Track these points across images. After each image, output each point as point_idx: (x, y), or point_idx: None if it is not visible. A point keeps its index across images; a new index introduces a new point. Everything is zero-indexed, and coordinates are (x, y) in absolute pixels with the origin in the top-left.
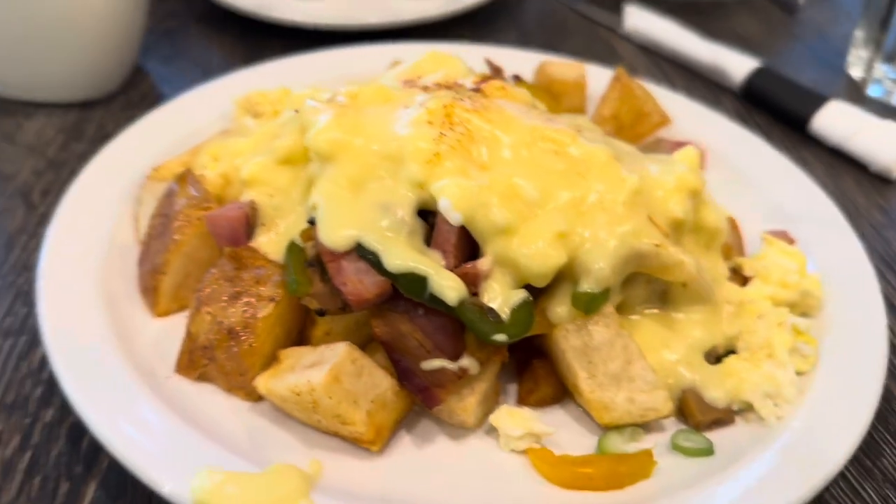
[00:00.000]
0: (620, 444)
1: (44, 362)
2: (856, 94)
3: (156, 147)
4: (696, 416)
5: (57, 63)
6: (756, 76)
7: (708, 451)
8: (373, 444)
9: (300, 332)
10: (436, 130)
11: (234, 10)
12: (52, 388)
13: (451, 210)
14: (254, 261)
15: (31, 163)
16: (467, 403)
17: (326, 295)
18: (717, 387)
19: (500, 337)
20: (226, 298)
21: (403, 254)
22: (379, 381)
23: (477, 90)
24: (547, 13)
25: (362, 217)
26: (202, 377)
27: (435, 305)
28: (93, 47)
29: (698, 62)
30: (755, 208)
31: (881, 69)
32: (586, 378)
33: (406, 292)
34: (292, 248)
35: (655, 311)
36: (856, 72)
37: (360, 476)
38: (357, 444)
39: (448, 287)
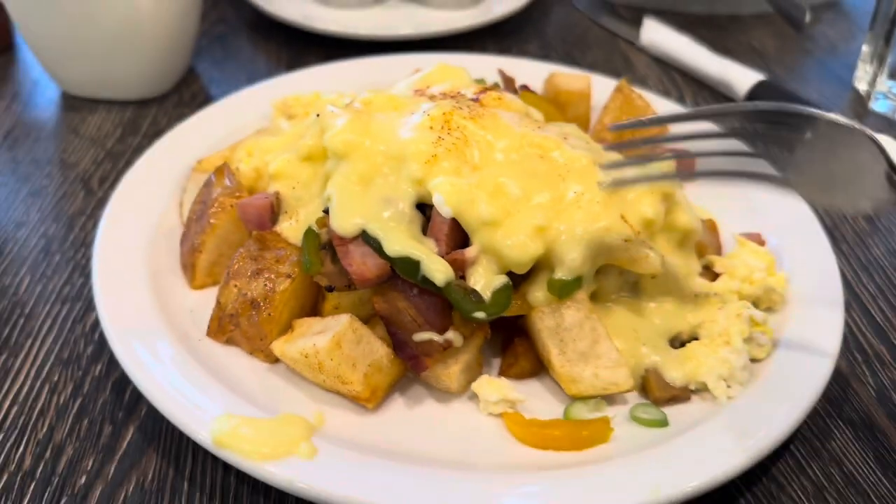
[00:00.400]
0: (585, 412)
1: (95, 325)
2: (861, 108)
3: (201, 142)
4: (655, 392)
5: (119, 65)
6: (758, 88)
7: (662, 422)
8: (368, 401)
9: (313, 305)
10: (435, 134)
11: (279, 19)
12: (101, 347)
13: (444, 205)
14: (275, 243)
15: (92, 153)
16: (451, 371)
17: (335, 274)
18: (676, 368)
19: (480, 314)
20: (250, 274)
21: (401, 241)
22: (376, 349)
23: (476, 100)
24: (569, 25)
25: (368, 208)
26: (229, 341)
27: (426, 286)
28: (152, 52)
29: (707, 74)
30: (737, 213)
31: (885, 84)
32: (558, 354)
33: (402, 274)
34: (309, 233)
35: (627, 298)
36: (862, 86)
37: (356, 428)
38: (355, 401)
39: (437, 270)
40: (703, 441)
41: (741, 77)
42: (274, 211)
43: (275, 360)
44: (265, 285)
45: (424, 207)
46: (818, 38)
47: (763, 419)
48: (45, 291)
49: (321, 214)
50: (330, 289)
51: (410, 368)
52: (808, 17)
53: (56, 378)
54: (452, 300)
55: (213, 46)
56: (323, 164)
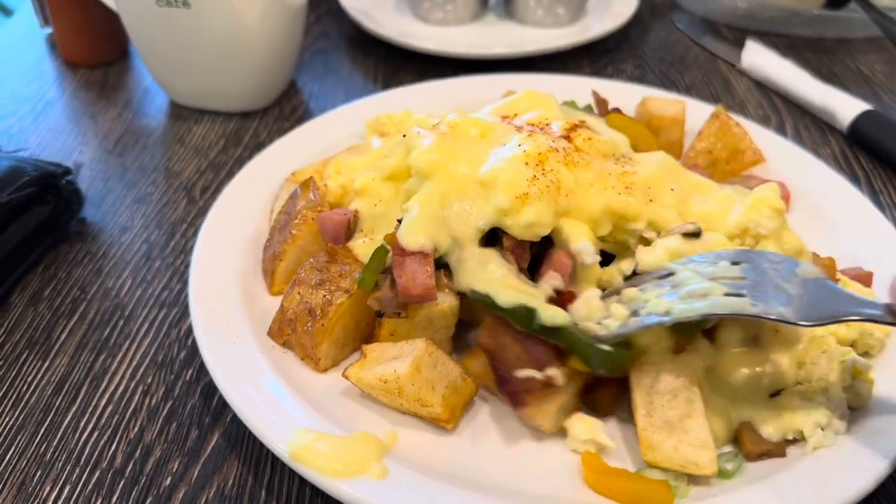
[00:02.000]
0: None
1: (189, 331)
2: None
3: (298, 157)
4: (748, 446)
5: (225, 79)
6: (862, 118)
7: (731, 474)
8: (447, 422)
9: (369, 326)
10: (530, 172)
11: (377, 36)
12: (193, 352)
13: (592, 252)
14: (344, 258)
15: (196, 162)
16: (547, 411)
17: (387, 299)
18: (772, 422)
19: (602, 369)
20: (314, 284)
21: (511, 292)
22: (450, 370)
23: (567, 137)
24: (668, 45)
25: (442, 226)
26: (285, 344)
27: (543, 334)
28: (256, 67)
29: (809, 101)
30: (833, 251)
31: None
32: (644, 415)
33: (517, 324)
34: (378, 251)
35: (745, 351)
36: None
37: (428, 449)
38: (435, 423)
39: (556, 316)
40: (777, 491)
41: (845, 106)
42: (350, 227)
43: (324, 369)
44: (324, 297)
45: (496, 232)
46: None
47: (843, 471)
48: (145, 295)
49: (394, 229)
50: (380, 314)
51: (509, 404)
52: None
53: (150, 380)
54: (572, 344)
55: (315, 61)
56: (405, 183)
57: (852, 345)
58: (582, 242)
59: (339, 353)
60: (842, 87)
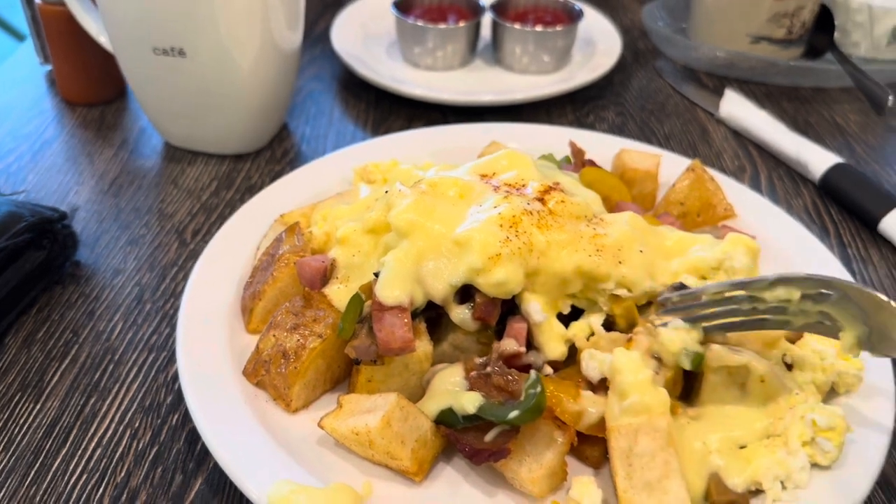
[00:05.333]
0: None
1: (176, 376)
2: None
3: (288, 201)
4: (714, 496)
5: (219, 123)
6: (833, 170)
7: None
8: (416, 475)
9: (345, 372)
10: (504, 234)
11: (369, 81)
12: (179, 397)
13: (540, 312)
14: (319, 303)
15: (188, 204)
16: (535, 476)
17: (364, 347)
18: (739, 473)
19: (514, 414)
20: (289, 327)
21: (434, 401)
22: (421, 424)
23: (540, 199)
24: (650, 92)
25: (417, 282)
26: (259, 384)
27: (469, 422)
28: (251, 112)
29: (783, 152)
30: None
31: None
32: (623, 478)
33: (447, 426)
34: (355, 299)
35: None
36: None
37: (403, 500)
38: (403, 474)
39: (467, 402)
40: None
41: (817, 158)
42: (326, 274)
43: (295, 410)
44: (298, 340)
45: (468, 289)
46: None
47: None
48: (135, 339)
49: (370, 280)
50: (357, 361)
51: (494, 462)
52: (891, 101)
53: (137, 424)
54: (489, 417)
55: (307, 103)
56: (384, 236)
57: (835, 387)
58: (531, 304)
59: (310, 394)
60: (816, 136)
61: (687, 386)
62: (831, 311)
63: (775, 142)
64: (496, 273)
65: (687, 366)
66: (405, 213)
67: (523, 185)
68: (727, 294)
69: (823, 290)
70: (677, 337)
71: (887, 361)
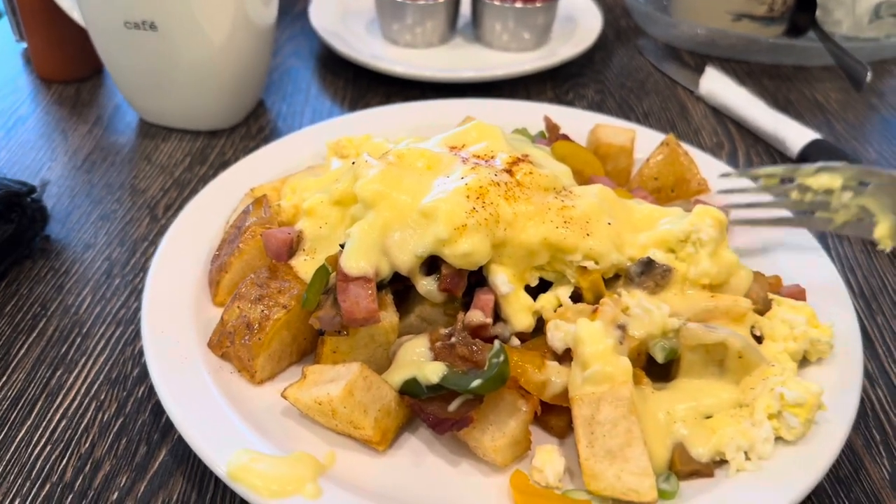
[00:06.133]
0: None
1: (143, 350)
2: None
3: (260, 175)
4: (677, 465)
5: (193, 100)
6: (811, 146)
7: (671, 494)
8: (379, 444)
9: (311, 344)
10: (470, 204)
11: (347, 58)
12: (146, 370)
13: (507, 283)
14: (284, 275)
15: (161, 180)
16: (498, 445)
17: (328, 318)
18: (703, 443)
19: (476, 384)
20: (253, 298)
21: (398, 371)
22: (385, 394)
23: (508, 171)
24: (631, 70)
25: (382, 253)
26: (224, 356)
27: (434, 391)
28: (225, 88)
29: (761, 129)
30: (772, 271)
31: None
32: (585, 445)
33: (412, 397)
34: (320, 271)
35: (708, 379)
36: None
37: (365, 469)
38: (367, 444)
39: (431, 373)
40: None
41: (795, 134)
42: (293, 246)
43: (259, 382)
44: (262, 311)
45: (436, 260)
46: (886, 93)
47: (752, 497)
48: (103, 313)
49: (337, 252)
50: (321, 332)
51: (457, 431)
52: (869, 76)
53: (103, 397)
54: (452, 386)
55: (284, 80)
56: (351, 208)
57: (806, 356)
58: (498, 275)
59: (275, 366)
60: (797, 114)
61: (664, 367)
62: (868, 203)
63: (754, 118)
64: (462, 244)
65: (660, 359)
66: (371, 184)
67: (492, 157)
68: (781, 176)
69: (863, 180)
70: (649, 320)
71: (856, 329)
